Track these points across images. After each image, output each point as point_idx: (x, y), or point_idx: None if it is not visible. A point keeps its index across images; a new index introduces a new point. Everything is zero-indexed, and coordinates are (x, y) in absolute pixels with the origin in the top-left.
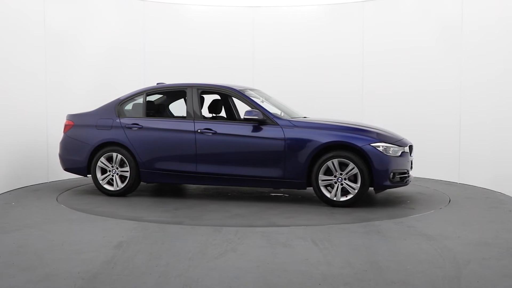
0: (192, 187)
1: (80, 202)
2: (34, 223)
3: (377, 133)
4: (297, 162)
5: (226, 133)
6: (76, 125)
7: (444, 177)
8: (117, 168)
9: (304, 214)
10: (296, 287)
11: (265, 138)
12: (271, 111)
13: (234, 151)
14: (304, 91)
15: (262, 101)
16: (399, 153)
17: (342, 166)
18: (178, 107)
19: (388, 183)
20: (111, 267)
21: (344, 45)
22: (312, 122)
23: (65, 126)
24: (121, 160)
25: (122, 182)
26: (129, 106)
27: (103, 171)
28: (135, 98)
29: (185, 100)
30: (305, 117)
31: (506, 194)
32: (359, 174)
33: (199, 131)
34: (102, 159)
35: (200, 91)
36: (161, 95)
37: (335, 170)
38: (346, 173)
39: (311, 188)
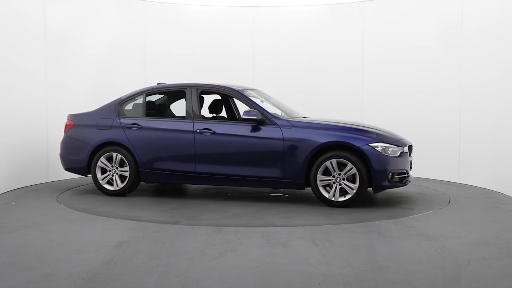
0: (192, 187)
1: (80, 202)
2: (34, 223)
3: (376, 133)
4: (296, 162)
5: (225, 133)
6: (77, 125)
7: (444, 177)
8: (117, 168)
9: (301, 214)
10: (296, 287)
11: (264, 138)
12: (270, 111)
13: (233, 151)
14: (304, 91)
15: (262, 101)
16: (398, 153)
17: (341, 166)
18: (178, 107)
19: (386, 183)
20: (111, 267)
21: (344, 45)
22: (310, 122)
23: (66, 126)
24: (121, 160)
25: (122, 182)
26: (129, 106)
27: (103, 171)
28: (135, 98)
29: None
30: (304, 117)
31: (506, 194)
32: (357, 174)
33: (198, 131)
34: (102, 159)
35: (199, 91)
36: (161, 95)
37: (333, 170)
38: (345, 173)
39: (310, 188)
